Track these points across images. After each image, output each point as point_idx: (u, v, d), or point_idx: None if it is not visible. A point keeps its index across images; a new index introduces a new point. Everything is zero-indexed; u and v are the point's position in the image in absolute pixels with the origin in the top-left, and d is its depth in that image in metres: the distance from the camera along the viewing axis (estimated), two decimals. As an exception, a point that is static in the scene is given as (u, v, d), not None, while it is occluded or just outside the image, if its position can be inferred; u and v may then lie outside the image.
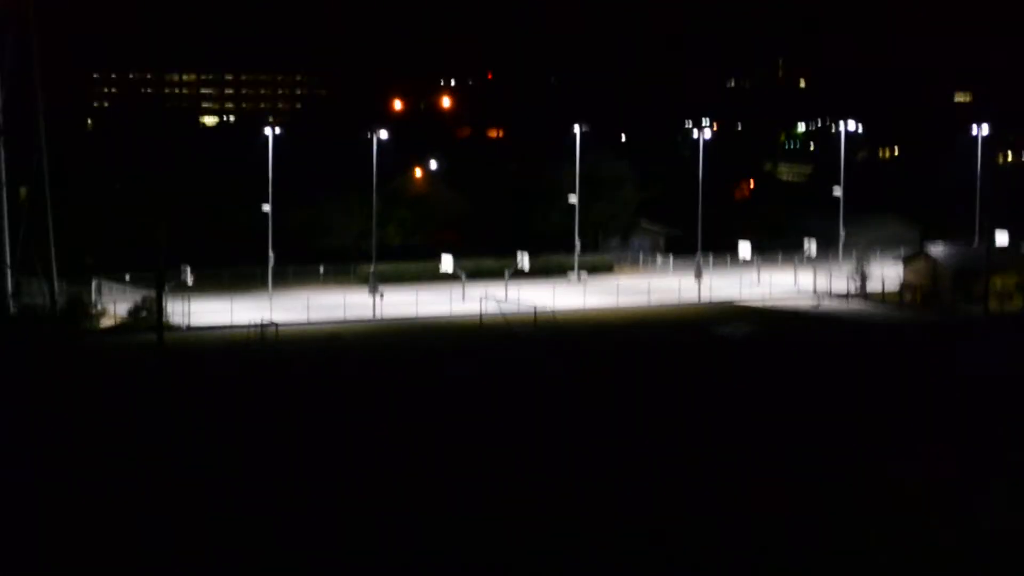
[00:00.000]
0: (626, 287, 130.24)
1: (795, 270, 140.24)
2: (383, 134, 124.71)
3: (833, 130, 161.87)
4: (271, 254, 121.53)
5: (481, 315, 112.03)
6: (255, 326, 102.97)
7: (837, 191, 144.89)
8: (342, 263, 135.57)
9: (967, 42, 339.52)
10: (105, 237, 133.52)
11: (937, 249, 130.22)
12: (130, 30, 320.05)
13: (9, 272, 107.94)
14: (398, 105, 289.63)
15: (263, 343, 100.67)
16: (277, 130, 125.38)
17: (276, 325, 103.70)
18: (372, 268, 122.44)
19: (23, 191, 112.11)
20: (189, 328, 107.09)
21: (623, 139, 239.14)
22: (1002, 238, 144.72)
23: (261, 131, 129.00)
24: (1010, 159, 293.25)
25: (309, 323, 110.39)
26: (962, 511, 57.46)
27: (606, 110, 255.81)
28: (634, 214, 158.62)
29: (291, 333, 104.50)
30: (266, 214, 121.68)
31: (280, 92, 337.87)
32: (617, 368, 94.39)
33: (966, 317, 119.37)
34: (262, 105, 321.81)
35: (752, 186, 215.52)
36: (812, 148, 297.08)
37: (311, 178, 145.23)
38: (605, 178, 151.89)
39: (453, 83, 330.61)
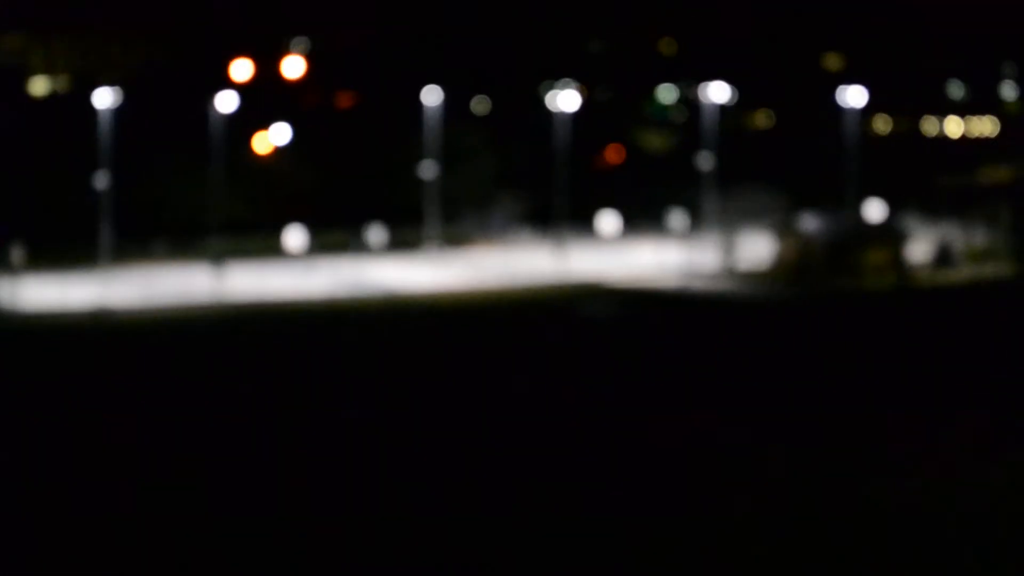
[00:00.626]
0: (483, 263, 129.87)
1: (662, 245, 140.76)
2: (228, 100, 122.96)
3: (701, 97, 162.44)
4: (103, 228, 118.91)
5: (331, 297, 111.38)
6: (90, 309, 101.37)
7: (704, 161, 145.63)
8: (185, 237, 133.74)
9: (838, 2, 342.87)
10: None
11: (808, 221, 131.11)
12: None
13: None
14: (244, 70, 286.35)
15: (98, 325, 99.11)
16: (113, 96, 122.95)
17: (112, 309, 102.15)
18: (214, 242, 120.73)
19: None
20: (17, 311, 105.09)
21: (481, 106, 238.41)
22: (875, 210, 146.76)
23: (95, 97, 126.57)
24: (886, 126, 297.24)
25: (147, 303, 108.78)
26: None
27: (463, 76, 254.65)
28: (492, 185, 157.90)
29: (130, 316, 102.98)
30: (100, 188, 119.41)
31: (116, 55, 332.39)
32: (477, 353, 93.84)
33: (837, 293, 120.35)
34: (96, 70, 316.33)
35: (620, 155, 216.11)
36: (679, 116, 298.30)
37: (151, 148, 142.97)
38: (461, 148, 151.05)
39: (302, 47, 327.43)
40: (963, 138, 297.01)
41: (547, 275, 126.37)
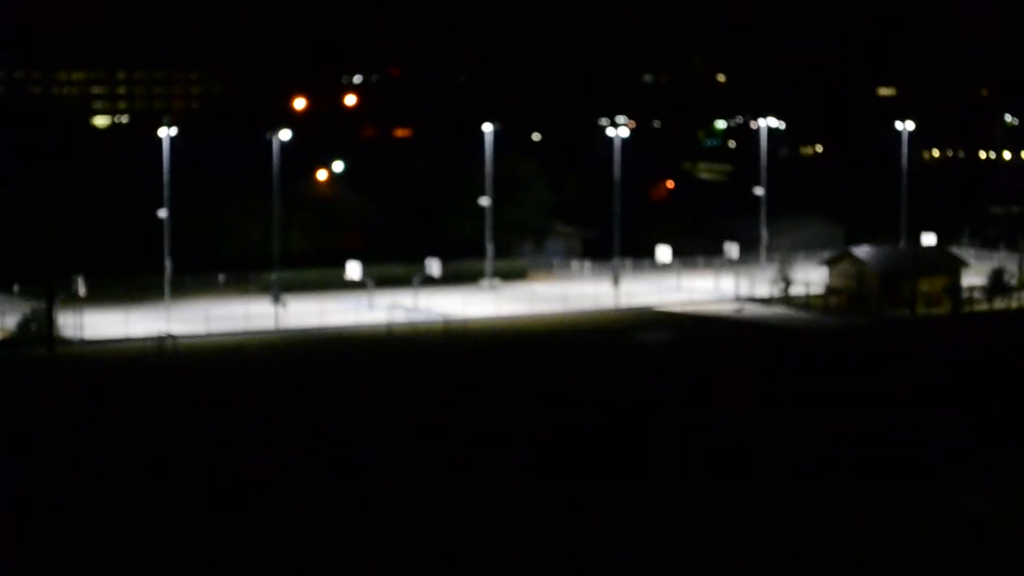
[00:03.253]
0: (541, 294, 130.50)
1: (716, 274, 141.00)
2: (285, 134, 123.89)
3: (753, 127, 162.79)
4: (168, 263, 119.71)
5: (389, 325, 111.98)
6: (153, 339, 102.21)
7: (758, 191, 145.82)
8: (243, 271, 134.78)
9: (890, 36, 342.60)
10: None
11: (862, 251, 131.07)
12: (13, 24, 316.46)
13: None
14: (300, 104, 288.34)
15: (161, 356, 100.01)
16: (173, 131, 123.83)
17: (174, 338, 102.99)
18: (274, 276, 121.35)
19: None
20: (83, 342, 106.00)
21: (536, 139, 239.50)
22: (929, 239, 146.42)
23: (156, 132, 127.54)
24: (936, 155, 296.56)
25: (208, 334, 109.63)
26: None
27: (518, 109, 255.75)
28: (548, 217, 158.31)
29: (191, 345, 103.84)
30: (162, 220, 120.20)
31: (175, 91, 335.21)
32: (534, 379, 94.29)
33: (893, 321, 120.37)
34: (156, 105, 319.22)
35: (671, 186, 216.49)
36: (732, 146, 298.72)
37: (210, 182, 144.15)
38: (517, 179, 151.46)
39: (358, 80, 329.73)
40: (1017, 167, 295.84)
41: (603, 303, 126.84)
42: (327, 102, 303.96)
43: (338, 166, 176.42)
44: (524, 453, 71.65)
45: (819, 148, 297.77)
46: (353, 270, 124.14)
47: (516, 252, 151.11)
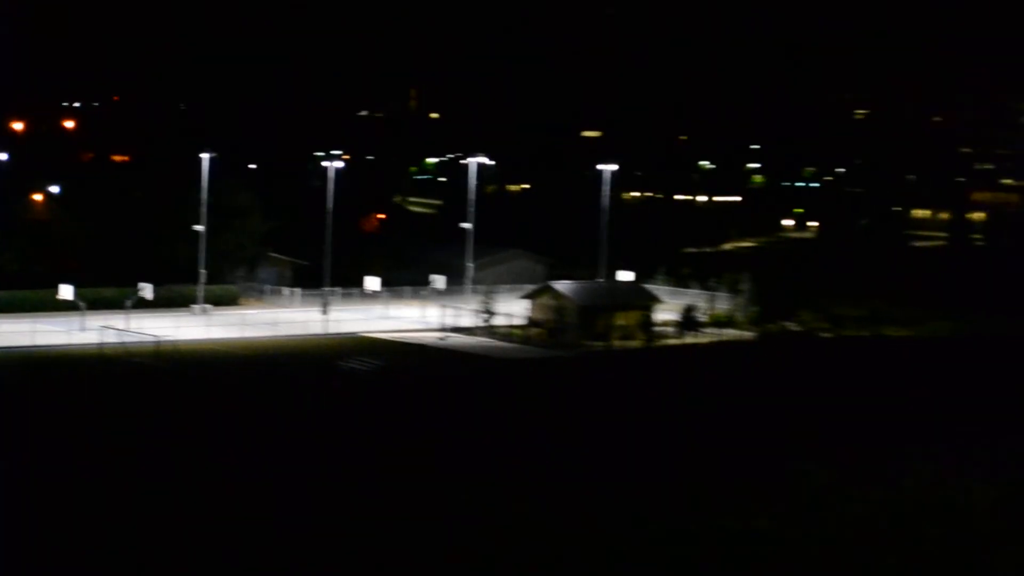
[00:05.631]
0: (252, 319, 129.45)
1: (423, 304, 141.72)
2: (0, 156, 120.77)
3: (463, 163, 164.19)
4: None
5: (100, 345, 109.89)
6: None
7: (465, 225, 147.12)
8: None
9: (597, 79, 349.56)
10: None
11: (562, 285, 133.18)
12: None
13: None
14: (18, 127, 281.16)
15: None
16: None
17: None
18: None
19: None
20: None
21: (253, 168, 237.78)
22: (626, 275, 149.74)
23: None
24: (637, 195, 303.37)
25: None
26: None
27: (236, 138, 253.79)
28: (262, 245, 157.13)
29: None
30: None
31: None
32: (230, 401, 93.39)
33: (588, 353, 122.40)
34: None
35: (382, 218, 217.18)
36: (443, 181, 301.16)
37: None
38: (233, 207, 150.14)
39: (77, 105, 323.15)
40: (710, 210, 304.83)
41: (311, 330, 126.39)
42: (45, 126, 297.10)
43: (55, 189, 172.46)
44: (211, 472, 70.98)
45: (526, 186, 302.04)
46: (66, 291, 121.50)
47: (229, 278, 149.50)
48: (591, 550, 58.67)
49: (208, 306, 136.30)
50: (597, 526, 62.35)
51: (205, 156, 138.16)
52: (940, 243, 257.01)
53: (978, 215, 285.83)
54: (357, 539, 59.66)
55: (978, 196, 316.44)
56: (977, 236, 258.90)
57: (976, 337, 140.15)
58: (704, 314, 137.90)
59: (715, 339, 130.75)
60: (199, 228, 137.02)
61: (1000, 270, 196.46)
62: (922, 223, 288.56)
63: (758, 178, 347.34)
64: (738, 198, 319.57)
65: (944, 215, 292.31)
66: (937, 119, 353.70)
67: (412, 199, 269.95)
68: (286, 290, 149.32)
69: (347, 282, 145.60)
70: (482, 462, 75.79)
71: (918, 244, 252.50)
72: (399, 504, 65.33)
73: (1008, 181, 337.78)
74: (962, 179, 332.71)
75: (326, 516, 62.98)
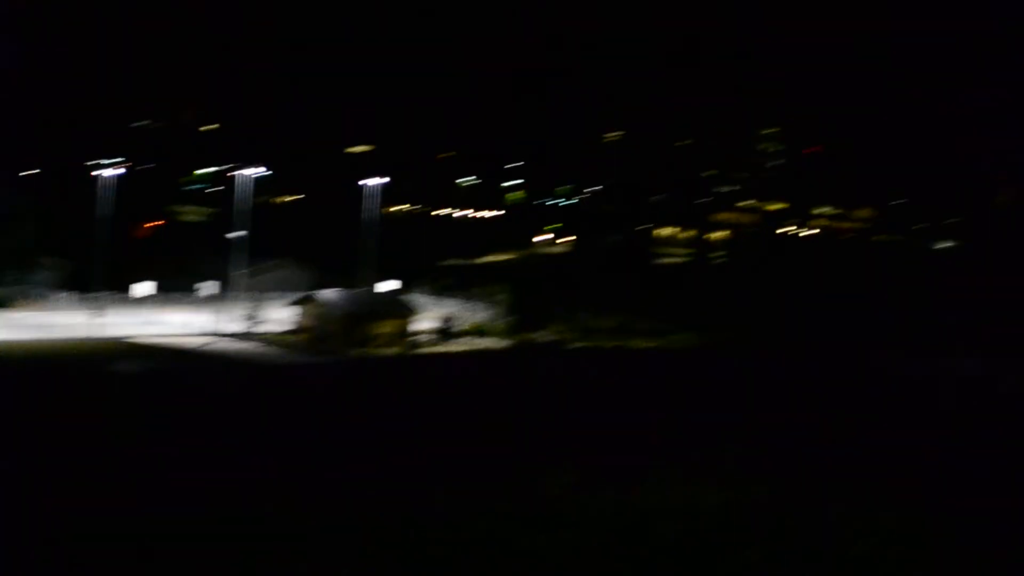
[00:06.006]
0: (24, 322, 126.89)
1: (193, 309, 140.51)
2: None
3: (237, 175, 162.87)
4: None
5: None
6: None
7: (236, 233, 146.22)
8: None
9: (367, 95, 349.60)
10: None
11: (327, 293, 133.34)
12: None
13: None
14: None
15: None
16: None
17: None
18: None
19: None
20: None
21: (28, 174, 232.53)
22: (391, 285, 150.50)
23: None
24: (402, 209, 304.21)
25: None
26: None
27: (10, 145, 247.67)
28: (36, 249, 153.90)
29: None
30: None
31: None
32: None
33: (350, 359, 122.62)
34: None
35: (157, 226, 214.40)
36: (217, 191, 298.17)
37: None
38: (8, 212, 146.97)
39: None
40: (471, 224, 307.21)
41: (82, 333, 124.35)
42: None
43: None
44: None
45: (297, 196, 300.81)
46: None
47: (2, 282, 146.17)
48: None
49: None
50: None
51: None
52: (684, 259, 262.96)
53: (719, 234, 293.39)
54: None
55: (718, 216, 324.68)
56: (718, 254, 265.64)
57: (719, 348, 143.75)
58: (462, 324, 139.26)
59: (471, 348, 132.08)
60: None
61: (739, 285, 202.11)
62: (668, 241, 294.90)
63: (516, 195, 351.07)
64: (497, 213, 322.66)
65: (688, 233, 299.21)
66: (685, 142, 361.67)
67: (187, 208, 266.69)
68: (59, 294, 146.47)
69: (120, 287, 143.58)
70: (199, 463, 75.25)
71: (664, 260, 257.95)
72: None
73: (747, 203, 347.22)
74: (705, 200, 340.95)
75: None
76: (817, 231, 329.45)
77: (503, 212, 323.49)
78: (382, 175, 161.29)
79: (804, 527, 66.44)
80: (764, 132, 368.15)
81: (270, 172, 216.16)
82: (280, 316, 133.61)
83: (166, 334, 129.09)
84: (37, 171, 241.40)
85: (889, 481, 77.55)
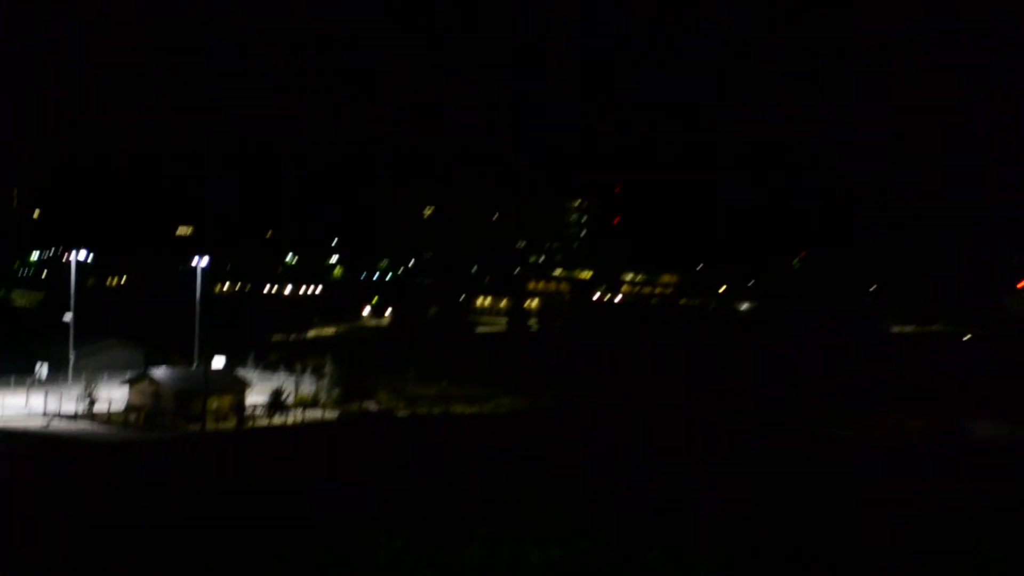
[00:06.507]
0: None
1: (28, 392, 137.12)
2: None
3: (65, 259, 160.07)
4: None
5: None
6: None
7: (67, 316, 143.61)
8: None
9: (190, 177, 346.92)
10: None
11: (159, 371, 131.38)
12: None
13: None
14: None
15: None
16: None
17: None
18: None
19: None
20: None
21: None
22: (219, 361, 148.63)
23: None
24: (227, 288, 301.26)
25: None
26: None
27: None
28: None
29: None
30: None
31: None
32: None
33: (185, 435, 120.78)
34: None
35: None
36: (45, 275, 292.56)
37: None
38: None
39: None
40: (295, 300, 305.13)
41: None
42: None
43: None
44: None
45: (124, 279, 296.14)
46: None
47: None
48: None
49: None
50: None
51: None
52: (500, 328, 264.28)
53: (532, 302, 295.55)
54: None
55: (532, 285, 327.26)
56: (532, 321, 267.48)
57: (538, 409, 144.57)
58: (291, 396, 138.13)
59: (300, 420, 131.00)
60: None
61: (552, 350, 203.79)
62: (484, 310, 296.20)
63: (338, 271, 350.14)
64: (320, 289, 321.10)
65: (503, 303, 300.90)
66: (496, 217, 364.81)
67: (16, 292, 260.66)
68: None
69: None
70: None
71: (481, 329, 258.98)
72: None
73: (558, 272, 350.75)
74: (518, 270, 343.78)
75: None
76: (622, 296, 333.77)
77: (325, 287, 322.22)
78: (205, 255, 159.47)
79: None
80: (570, 204, 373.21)
81: (98, 255, 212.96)
82: (115, 395, 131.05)
83: (2, 417, 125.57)
84: None
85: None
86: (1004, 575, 72.09)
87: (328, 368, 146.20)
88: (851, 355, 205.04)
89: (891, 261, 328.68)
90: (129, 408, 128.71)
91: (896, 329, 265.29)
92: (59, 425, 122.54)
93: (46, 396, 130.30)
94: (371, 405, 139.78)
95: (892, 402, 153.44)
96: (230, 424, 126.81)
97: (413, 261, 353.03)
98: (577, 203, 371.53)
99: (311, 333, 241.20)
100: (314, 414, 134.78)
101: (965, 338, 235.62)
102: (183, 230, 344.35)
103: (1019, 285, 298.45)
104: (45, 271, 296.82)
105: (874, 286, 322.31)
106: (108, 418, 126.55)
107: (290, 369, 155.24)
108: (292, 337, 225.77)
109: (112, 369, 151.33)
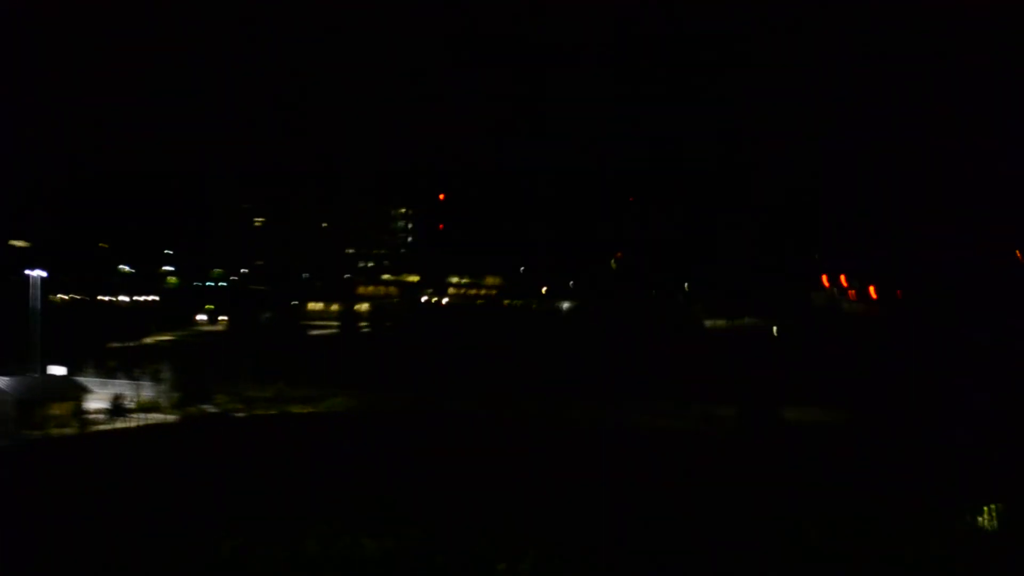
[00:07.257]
0: None
1: None
2: None
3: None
4: None
5: None
6: None
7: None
8: None
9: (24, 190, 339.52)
10: None
11: (2, 380, 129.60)
12: None
13: None
14: None
15: None
16: None
17: None
18: None
19: None
20: None
21: None
22: (59, 369, 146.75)
23: None
24: (67, 298, 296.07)
25: None
26: None
27: None
28: None
29: None
30: None
31: None
32: None
33: (28, 441, 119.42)
34: None
35: None
36: None
37: None
38: None
39: None
40: (131, 309, 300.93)
41: None
42: None
43: None
44: None
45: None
46: None
47: None
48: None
49: None
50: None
51: None
52: (333, 331, 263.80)
53: (363, 305, 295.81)
54: None
55: (362, 289, 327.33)
56: (364, 323, 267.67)
57: (371, 407, 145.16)
58: (131, 401, 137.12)
59: (142, 423, 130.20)
60: None
61: (382, 350, 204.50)
62: (317, 314, 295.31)
63: (173, 279, 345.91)
64: (156, 297, 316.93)
65: (335, 306, 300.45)
66: (325, 224, 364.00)
67: None
68: None
69: None
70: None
71: (314, 332, 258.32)
72: None
73: (386, 276, 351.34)
74: (348, 275, 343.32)
75: None
76: (448, 299, 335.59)
77: (161, 296, 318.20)
78: (43, 266, 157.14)
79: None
80: (396, 212, 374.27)
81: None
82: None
83: None
84: None
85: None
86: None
87: (166, 373, 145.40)
88: (663, 347, 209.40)
89: (703, 260, 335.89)
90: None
91: (708, 323, 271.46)
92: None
93: None
94: (209, 408, 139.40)
95: (701, 390, 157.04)
96: (72, 429, 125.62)
97: (246, 269, 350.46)
98: (403, 211, 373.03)
99: (149, 340, 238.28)
100: (155, 417, 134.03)
101: (774, 330, 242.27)
102: (18, 243, 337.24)
103: (823, 278, 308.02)
104: None
105: (687, 283, 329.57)
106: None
107: (129, 375, 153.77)
108: (130, 344, 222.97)
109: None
